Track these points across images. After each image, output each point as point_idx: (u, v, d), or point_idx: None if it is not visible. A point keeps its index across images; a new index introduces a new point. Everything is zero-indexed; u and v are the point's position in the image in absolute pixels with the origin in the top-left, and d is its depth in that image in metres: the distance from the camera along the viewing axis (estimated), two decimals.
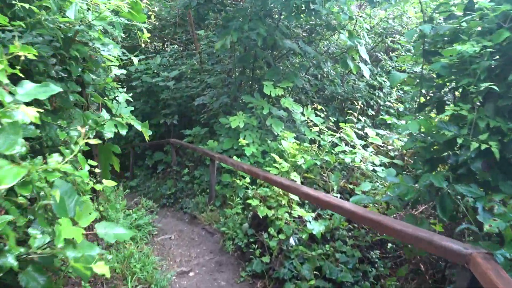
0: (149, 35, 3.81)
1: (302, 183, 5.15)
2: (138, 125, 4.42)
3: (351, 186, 5.14)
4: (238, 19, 6.16)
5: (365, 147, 5.77)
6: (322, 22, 8.74)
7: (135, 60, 3.80)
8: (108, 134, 4.00)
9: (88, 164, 3.96)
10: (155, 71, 10.89)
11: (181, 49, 11.82)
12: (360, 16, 7.47)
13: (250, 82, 8.46)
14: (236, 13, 6.47)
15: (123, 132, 4.17)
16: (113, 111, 4.21)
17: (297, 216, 4.56)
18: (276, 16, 7.36)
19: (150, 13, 4.41)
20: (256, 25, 5.95)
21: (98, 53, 3.05)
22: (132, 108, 4.66)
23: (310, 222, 4.23)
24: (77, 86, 3.40)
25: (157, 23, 11.61)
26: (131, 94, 4.61)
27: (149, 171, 11.93)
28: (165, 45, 13.36)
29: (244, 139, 6.46)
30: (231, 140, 7.01)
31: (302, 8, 6.11)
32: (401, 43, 4.35)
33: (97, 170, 3.42)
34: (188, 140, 9.12)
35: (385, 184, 4.41)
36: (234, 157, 6.02)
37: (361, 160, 5.00)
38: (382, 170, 5.04)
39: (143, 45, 3.90)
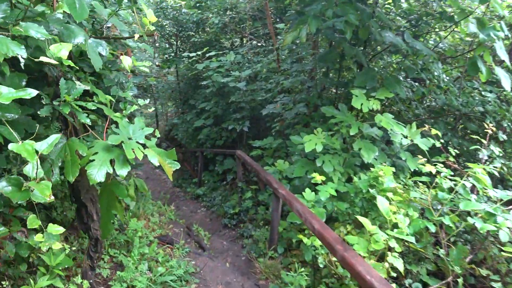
0: (155, 19, 2.15)
1: (401, 254, 3.19)
2: (154, 158, 2.83)
3: (485, 272, 3.05)
4: (319, 3, 4.27)
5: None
6: (431, 10, 6.52)
7: (127, 61, 2.16)
8: (98, 176, 2.47)
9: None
10: (228, 69, 9.33)
11: (259, 45, 10.16)
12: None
13: (336, 88, 6.54)
14: None
15: (123, 172, 2.61)
16: (111, 139, 2.64)
17: None
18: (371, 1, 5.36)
19: None
20: (344, 11, 4.03)
21: None
22: (151, 130, 3.07)
23: None
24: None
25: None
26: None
27: (219, 178, 10.60)
28: (244, 41, 11.81)
29: (322, 165, 4.63)
30: (306, 163, 5.19)
31: None
32: None
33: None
34: (257, 154, 7.46)
35: None
36: (307, 191, 4.20)
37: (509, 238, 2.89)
38: None
39: (143, 34, 2.22)
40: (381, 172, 3.69)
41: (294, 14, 4.85)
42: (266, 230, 5.75)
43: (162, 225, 5.64)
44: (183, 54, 10.38)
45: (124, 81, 3.46)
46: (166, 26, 10.76)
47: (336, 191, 4.35)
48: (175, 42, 11.65)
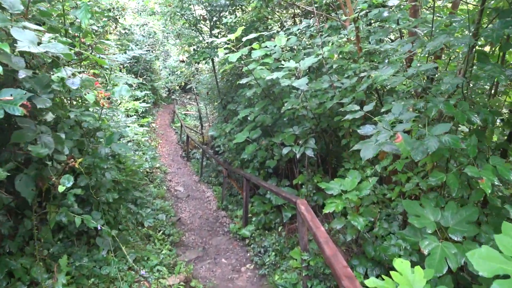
0: None
1: None
2: None
3: None
4: None
5: None
6: None
7: None
8: None
9: None
10: (278, 58, 5.81)
11: (321, 21, 6.58)
12: None
13: (493, 85, 2.92)
14: None
15: None
16: None
17: None
18: None
19: None
20: None
21: None
22: None
23: None
24: None
25: None
26: None
27: (272, 208, 7.26)
28: (297, 20, 8.22)
29: None
30: None
31: None
32: None
33: None
34: (334, 205, 3.98)
35: None
36: None
37: None
38: None
39: None
40: None
41: None
42: None
43: None
44: (207, 41, 6.98)
45: None
46: (191, 8, 7.37)
47: None
48: (207, 28, 8.25)
